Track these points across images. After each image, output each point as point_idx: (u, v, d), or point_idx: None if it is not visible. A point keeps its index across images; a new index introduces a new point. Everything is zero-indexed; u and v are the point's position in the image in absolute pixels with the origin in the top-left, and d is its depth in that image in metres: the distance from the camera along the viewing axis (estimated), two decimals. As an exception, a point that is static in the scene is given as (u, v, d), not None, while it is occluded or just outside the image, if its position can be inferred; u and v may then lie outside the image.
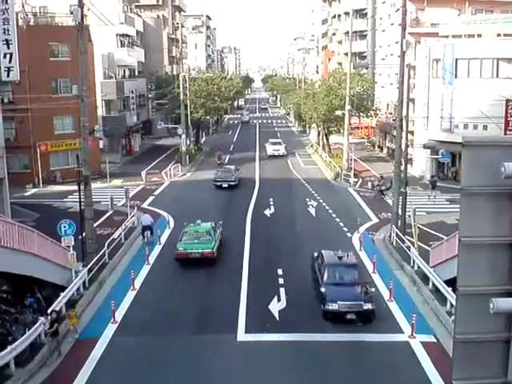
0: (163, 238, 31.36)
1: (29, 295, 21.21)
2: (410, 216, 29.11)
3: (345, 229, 32.82)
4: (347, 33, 63.72)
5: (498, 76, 40.76)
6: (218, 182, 45.14)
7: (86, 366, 17.72)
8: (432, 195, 39.52)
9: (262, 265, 26.86)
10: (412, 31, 49.00)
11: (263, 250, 29.24)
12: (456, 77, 41.88)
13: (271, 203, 39.17)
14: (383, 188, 40.95)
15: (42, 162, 44.92)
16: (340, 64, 78.84)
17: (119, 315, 21.29)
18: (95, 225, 28.68)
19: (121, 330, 20.23)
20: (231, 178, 45.48)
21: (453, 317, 16.97)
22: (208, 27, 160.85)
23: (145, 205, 39.34)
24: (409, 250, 26.63)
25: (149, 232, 30.85)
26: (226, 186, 44.66)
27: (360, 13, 75.32)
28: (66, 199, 39.81)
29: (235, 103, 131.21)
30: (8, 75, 30.01)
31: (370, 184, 43.58)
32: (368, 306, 20.29)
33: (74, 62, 33.52)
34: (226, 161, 58.05)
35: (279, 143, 65.00)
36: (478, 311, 6.25)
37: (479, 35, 43.05)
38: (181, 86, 57.49)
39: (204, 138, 77.95)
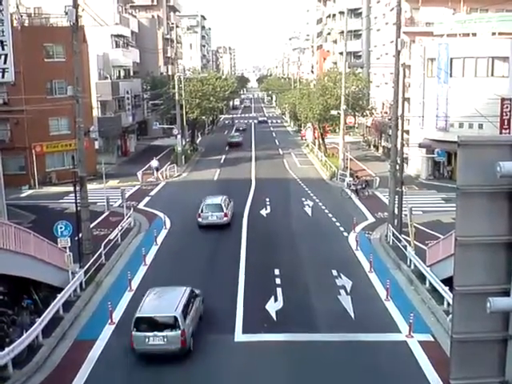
0: (159, 239, 31.32)
1: (26, 297, 21.15)
2: (406, 215, 29.16)
3: (341, 228, 32.83)
4: (342, 32, 63.83)
5: (493, 75, 40.79)
6: (238, 130, 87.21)
7: (83, 367, 17.68)
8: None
9: (259, 265, 26.82)
10: (407, 30, 49.04)
11: (260, 250, 29.23)
12: (451, 76, 41.92)
13: (267, 203, 39.17)
14: (358, 187, 41.43)
15: (38, 163, 44.84)
16: (335, 63, 78.86)
17: (116, 316, 21.26)
18: (91, 226, 28.63)
19: (118, 331, 20.20)
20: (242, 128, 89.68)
21: (450, 316, 17.00)
22: (203, 27, 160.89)
23: (141, 205, 39.32)
24: (405, 250, 26.66)
25: (155, 171, 49.35)
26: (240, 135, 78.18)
27: (355, 12, 75.41)
28: (61, 200, 39.70)
29: (231, 103, 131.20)
30: (3, 76, 29.85)
31: (345, 183, 43.78)
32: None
33: (68, 63, 33.44)
34: (222, 161, 59.14)
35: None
36: (475, 310, 6.26)
37: (474, 34, 43.09)
38: (176, 86, 57.45)
39: (200, 138, 77.95)
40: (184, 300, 18.89)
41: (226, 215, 32.61)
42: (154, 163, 50.34)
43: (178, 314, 17.95)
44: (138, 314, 18.21)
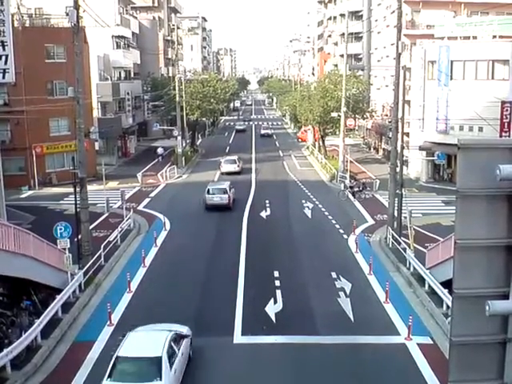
0: (159, 241, 31.31)
1: (25, 298, 21.13)
2: (405, 218, 29.16)
3: (341, 230, 32.83)
4: (343, 35, 63.87)
5: (493, 78, 40.84)
6: (244, 120, 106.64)
7: (82, 369, 17.64)
8: None
9: (259, 267, 26.83)
10: (407, 33, 49.08)
11: (259, 252, 29.23)
12: (451, 78, 41.94)
13: (267, 205, 39.18)
14: (356, 189, 41.50)
15: (38, 164, 44.85)
16: (336, 66, 78.95)
17: (115, 318, 21.24)
18: (91, 227, 28.64)
19: (117, 333, 20.15)
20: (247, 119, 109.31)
21: (449, 318, 16.96)
22: (204, 29, 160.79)
23: (141, 207, 39.31)
24: (405, 252, 26.66)
25: (160, 157, 57.39)
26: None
27: (356, 15, 75.38)
28: (61, 201, 39.72)
29: (231, 105, 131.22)
30: (3, 77, 29.85)
31: (343, 185, 43.73)
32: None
33: (69, 64, 33.50)
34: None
35: None
36: (473, 313, 6.25)
37: (474, 37, 43.12)
38: (176, 87, 57.47)
39: (200, 140, 77.93)
40: (228, 186, 38.68)
41: (238, 166, 52.09)
42: (160, 150, 57.97)
43: (226, 187, 38.45)
44: (209, 187, 38.83)
